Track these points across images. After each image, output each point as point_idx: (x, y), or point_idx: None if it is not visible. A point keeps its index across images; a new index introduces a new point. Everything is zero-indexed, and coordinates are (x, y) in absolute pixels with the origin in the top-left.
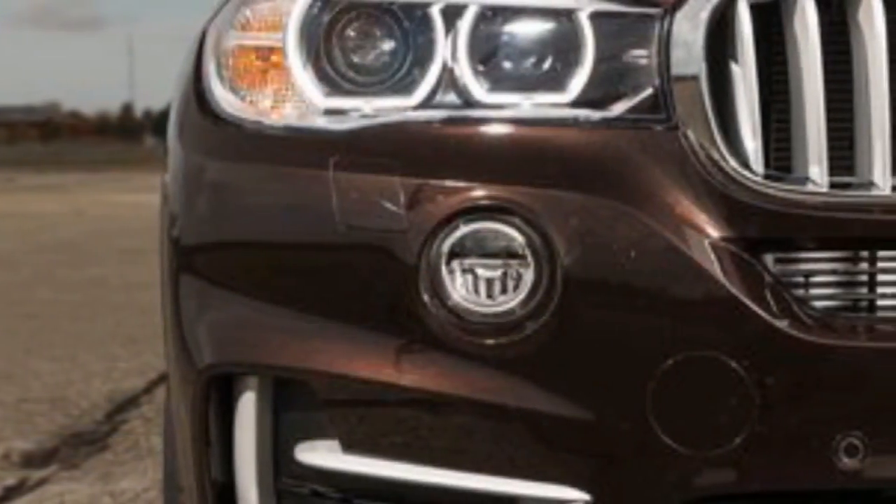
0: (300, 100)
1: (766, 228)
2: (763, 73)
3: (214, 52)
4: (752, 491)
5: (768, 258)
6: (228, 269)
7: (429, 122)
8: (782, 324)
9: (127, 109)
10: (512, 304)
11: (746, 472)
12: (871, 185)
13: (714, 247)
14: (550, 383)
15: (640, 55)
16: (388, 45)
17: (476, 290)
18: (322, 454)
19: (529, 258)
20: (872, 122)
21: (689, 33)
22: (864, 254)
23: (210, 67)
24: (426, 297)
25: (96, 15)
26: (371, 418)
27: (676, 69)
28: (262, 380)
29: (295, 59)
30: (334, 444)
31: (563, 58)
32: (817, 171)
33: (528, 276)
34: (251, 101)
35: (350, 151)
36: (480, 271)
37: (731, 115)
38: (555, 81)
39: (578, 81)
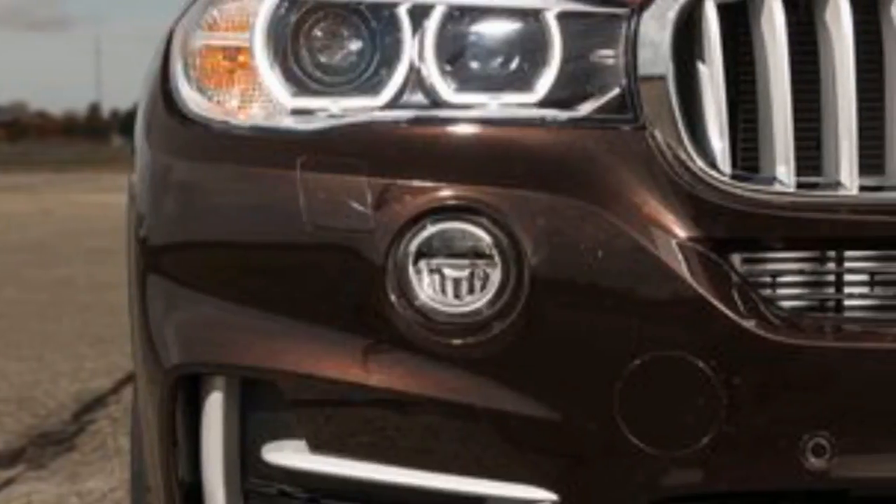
0: (267, 100)
1: (733, 228)
2: (730, 72)
3: (182, 52)
4: (719, 491)
5: (735, 258)
6: (195, 269)
7: (396, 122)
8: (749, 324)
9: (94, 109)
10: (479, 304)
11: (714, 472)
12: (838, 185)
13: (681, 247)
14: (518, 383)
15: (608, 55)
16: (355, 45)
17: (443, 290)
18: (289, 454)
19: (496, 258)
20: (839, 122)
21: (656, 33)
22: (832, 254)
23: (177, 67)
24: (393, 297)
25: (64, 15)
26: (338, 418)
27: (643, 69)
28: (230, 380)
29: (262, 59)
30: (301, 445)
31: (531, 58)
32: (784, 171)
33: (496, 276)
34: (218, 102)
35: (317, 151)
36: (448, 271)
37: (698, 115)
38: (522, 81)
39: (545, 81)
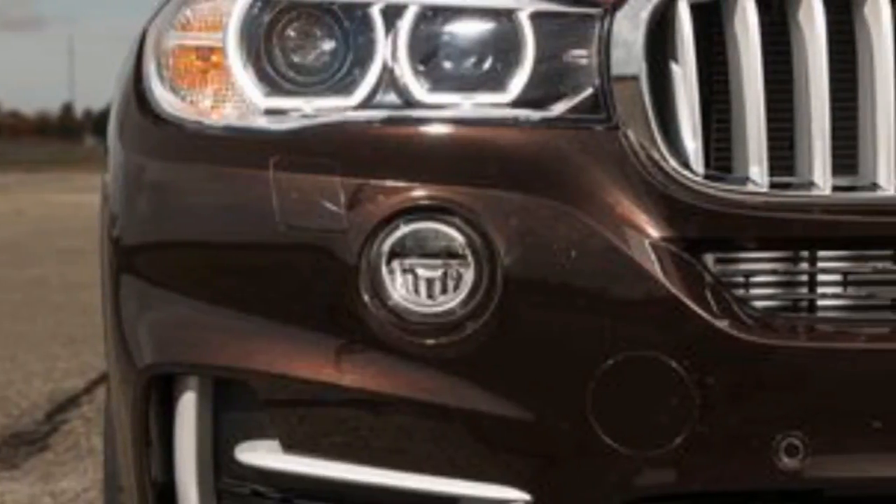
0: (240, 100)
1: (706, 228)
2: (703, 72)
3: (155, 52)
4: (692, 491)
5: (709, 258)
6: (169, 268)
7: (369, 122)
8: (722, 324)
9: (67, 109)
10: (452, 304)
11: (687, 472)
12: (811, 185)
13: (654, 247)
14: (491, 383)
15: (581, 55)
16: (328, 45)
17: (416, 290)
18: (262, 454)
19: (470, 258)
20: (812, 122)
21: (629, 33)
22: (805, 254)
23: (150, 67)
24: (366, 297)
25: (37, 15)
26: (311, 418)
27: (617, 69)
28: (203, 380)
29: (235, 59)
30: (275, 444)
31: (504, 58)
32: (757, 171)
33: (469, 276)
34: (191, 101)
35: (290, 151)
36: (421, 271)
37: (671, 115)
38: (495, 81)
39: (519, 81)
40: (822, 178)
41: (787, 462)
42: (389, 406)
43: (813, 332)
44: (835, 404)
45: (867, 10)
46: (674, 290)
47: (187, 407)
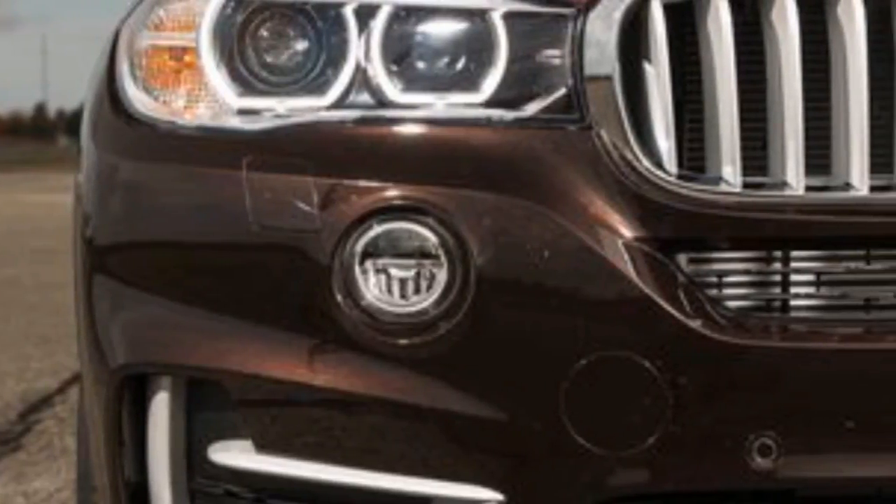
0: (213, 100)
1: (679, 228)
2: (677, 72)
3: (128, 53)
4: (665, 491)
5: (682, 258)
6: (142, 269)
7: (342, 122)
8: (695, 324)
9: (40, 109)
10: (425, 304)
11: (660, 472)
12: (784, 185)
13: (627, 247)
14: (464, 383)
15: (554, 55)
16: (301, 45)
17: (389, 290)
18: (235, 454)
19: (443, 258)
20: (786, 122)
21: (602, 33)
22: (778, 254)
23: (123, 67)
24: (339, 297)
25: (10, 15)
26: (284, 418)
27: (590, 69)
28: (176, 380)
29: (208, 59)
30: (248, 445)
31: (477, 58)
32: (730, 171)
33: (442, 276)
34: (164, 101)
35: (263, 151)
36: (394, 271)
37: (644, 115)
38: (468, 81)
39: (492, 81)
40: (795, 178)
41: (760, 462)
42: (362, 406)
43: (786, 332)
44: (808, 404)
45: (840, 9)
46: (647, 290)
47: (160, 407)
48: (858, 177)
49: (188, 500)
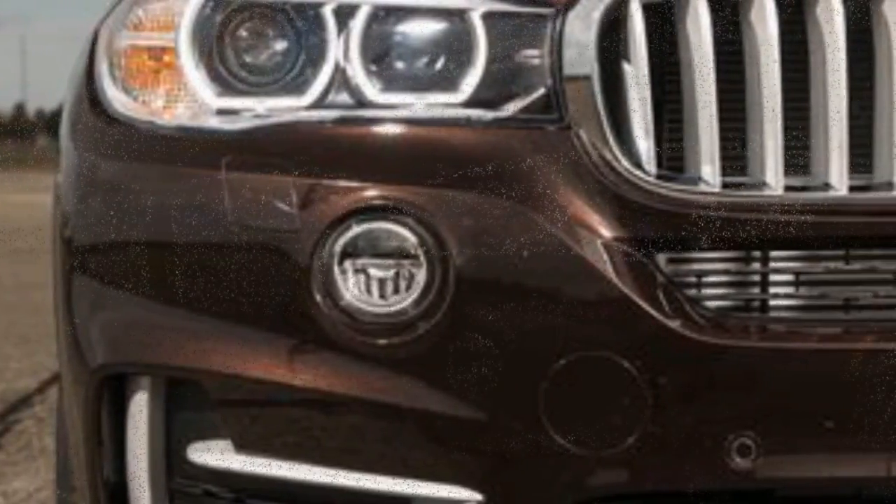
0: (192, 100)
1: (658, 228)
2: (656, 72)
3: (107, 53)
4: (645, 491)
5: (661, 258)
6: (120, 269)
7: (321, 122)
8: (674, 324)
9: (19, 109)
10: (404, 304)
11: (639, 472)
12: (763, 185)
13: (606, 247)
14: (443, 383)
15: (533, 55)
16: (280, 45)
17: (368, 290)
18: (215, 454)
19: (422, 258)
20: (765, 122)
21: (581, 33)
22: (757, 254)
23: (102, 67)
24: (318, 297)
25: None
26: (264, 418)
27: (569, 69)
28: (155, 380)
29: (187, 59)
30: (227, 445)
31: (456, 58)
32: (710, 171)
33: (421, 276)
34: (144, 102)
35: (242, 151)
36: (373, 271)
37: (623, 115)
38: (447, 81)
39: (471, 81)
40: (774, 178)
41: (739, 462)
42: (342, 406)
43: (765, 332)
44: (787, 404)
45: (819, 10)
46: (626, 290)
47: (139, 407)
48: (837, 177)
49: (167, 500)
